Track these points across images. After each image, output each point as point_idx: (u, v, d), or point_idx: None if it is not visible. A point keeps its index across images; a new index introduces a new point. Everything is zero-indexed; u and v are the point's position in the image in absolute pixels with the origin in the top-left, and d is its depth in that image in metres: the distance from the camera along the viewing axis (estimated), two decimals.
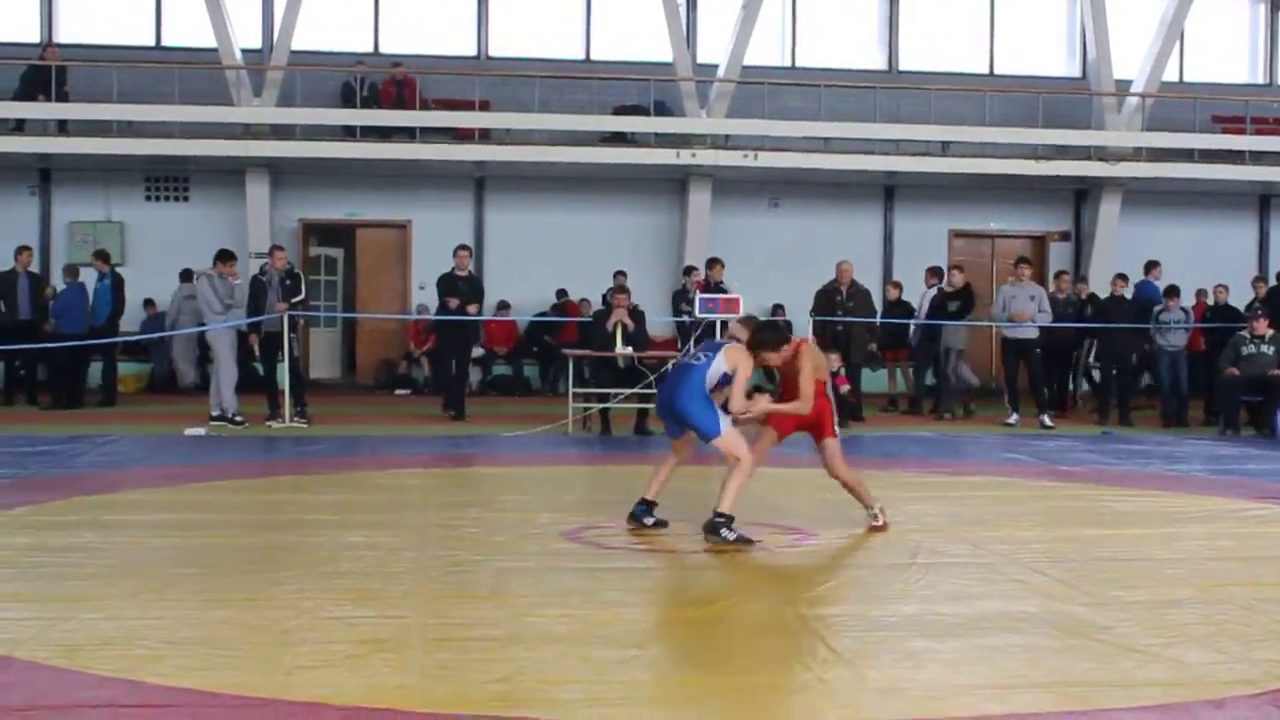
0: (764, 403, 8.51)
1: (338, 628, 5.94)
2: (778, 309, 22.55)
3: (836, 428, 8.82)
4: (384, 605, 6.43)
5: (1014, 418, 16.95)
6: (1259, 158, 23.52)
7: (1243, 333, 16.64)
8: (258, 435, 15.15)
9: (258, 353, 16.66)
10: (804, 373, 8.48)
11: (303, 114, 21.77)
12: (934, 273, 19.21)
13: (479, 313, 16.86)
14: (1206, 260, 22.57)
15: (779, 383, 8.87)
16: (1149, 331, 17.90)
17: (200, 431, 14.99)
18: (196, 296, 17.04)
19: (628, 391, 15.53)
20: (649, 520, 8.68)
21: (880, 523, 8.73)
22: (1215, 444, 15.20)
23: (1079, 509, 10.24)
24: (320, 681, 5.07)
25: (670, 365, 8.72)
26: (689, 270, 18.69)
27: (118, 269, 19.26)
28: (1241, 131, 23.85)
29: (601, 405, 15.65)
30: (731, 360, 8.32)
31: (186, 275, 21.22)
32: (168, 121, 21.28)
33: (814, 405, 8.50)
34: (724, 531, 8.08)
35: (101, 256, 18.65)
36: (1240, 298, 19.30)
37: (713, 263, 17.84)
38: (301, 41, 21.89)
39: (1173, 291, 18.13)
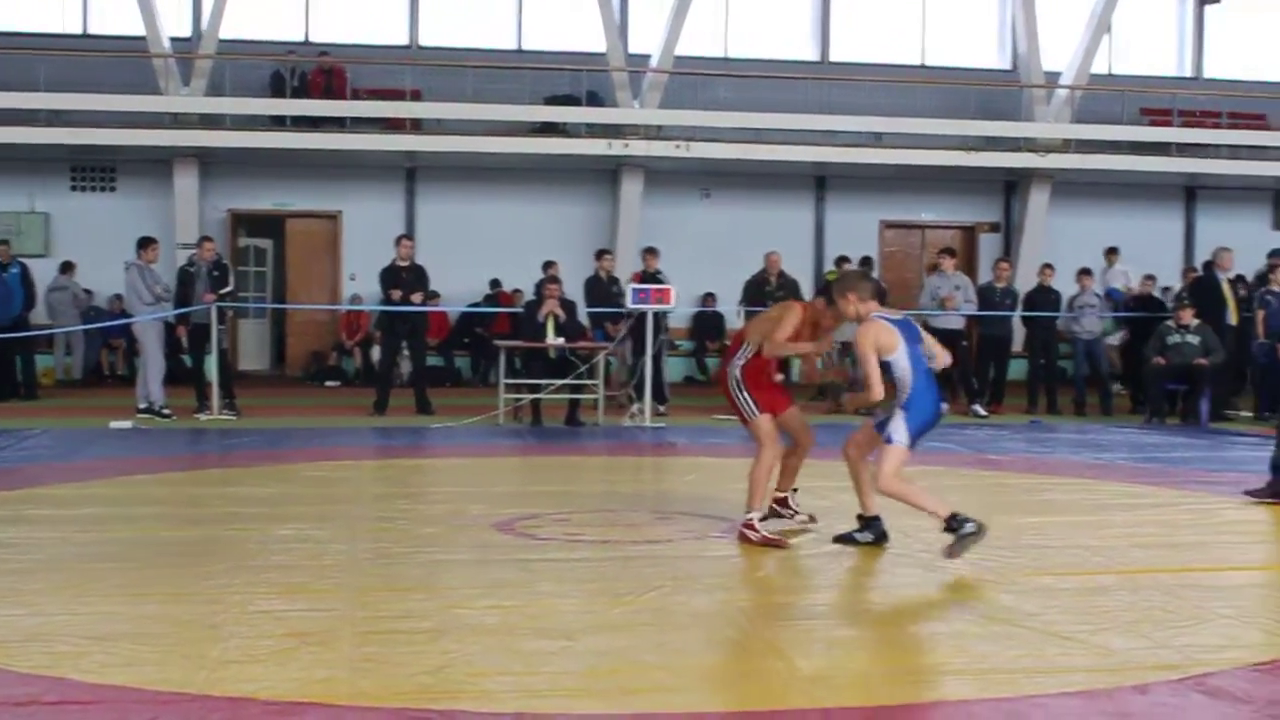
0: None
1: (265, 621, 5.88)
2: (709, 298, 22.61)
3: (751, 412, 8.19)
4: (312, 598, 6.39)
5: (944, 407, 17.04)
6: (1185, 150, 23.83)
7: (1169, 322, 16.83)
8: (185, 428, 15.02)
9: (185, 344, 16.52)
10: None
11: (232, 103, 21.61)
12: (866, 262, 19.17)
13: (423, 302, 16.67)
14: (1133, 251, 22.82)
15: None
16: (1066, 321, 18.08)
17: (126, 424, 14.83)
18: (124, 287, 16.82)
19: (559, 382, 15.51)
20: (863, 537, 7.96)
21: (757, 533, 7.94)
22: (1141, 433, 15.38)
23: (1007, 497, 10.32)
24: (247, 676, 5.02)
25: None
26: (600, 254, 18.48)
27: (42, 260, 19.04)
28: (1169, 124, 24.16)
29: (533, 396, 15.62)
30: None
31: (66, 267, 21.02)
32: (94, 110, 21.04)
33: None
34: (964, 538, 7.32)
35: (3, 244, 18.34)
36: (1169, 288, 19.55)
37: (647, 252, 17.82)
38: (230, 30, 21.72)
39: (1086, 273, 18.26)
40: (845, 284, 7.81)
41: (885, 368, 7.48)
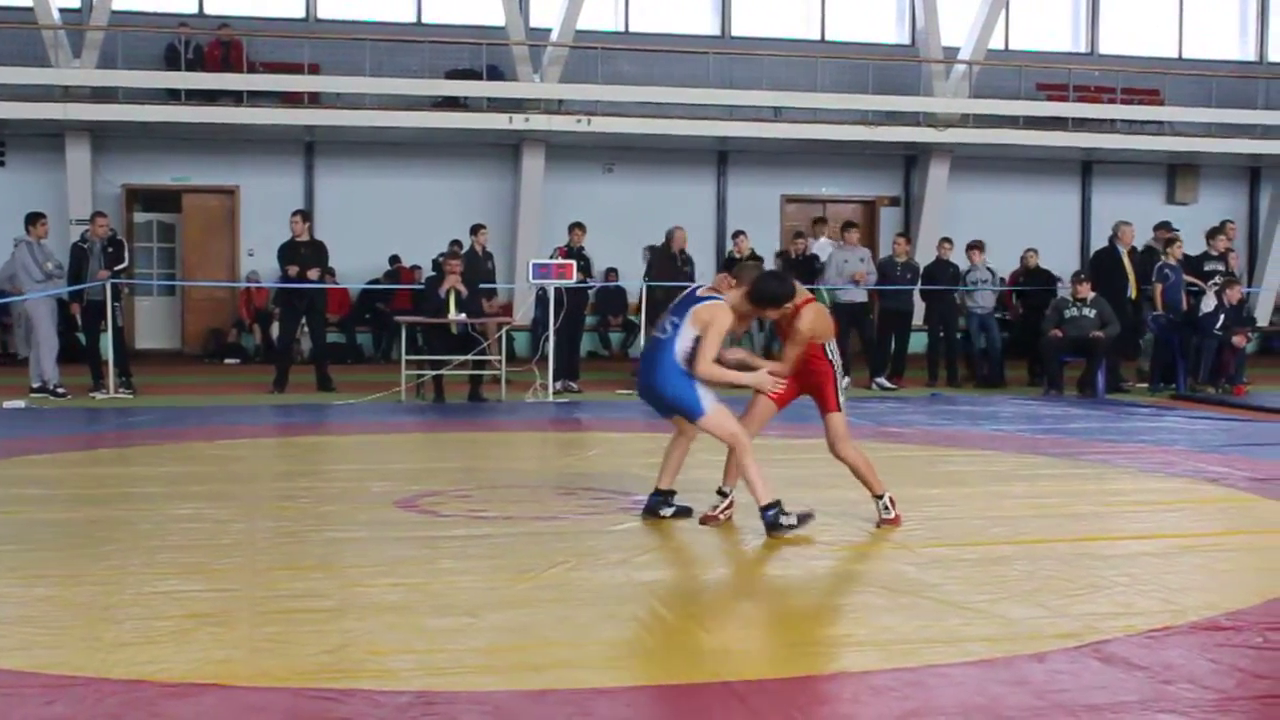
0: (728, 371, 7.62)
1: (163, 602, 5.80)
2: (611, 274, 22.59)
3: (841, 401, 7.99)
4: (211, 578, 6.29)
5: (845, 381, 17.14)
6: (1081, 124, 24.14)
7: (1065, 295, 17.05)
8: (80, 407, 14.77)
9: (79, 322, 16.23)
10: (792, 335, 7.73)
11: (125, 76, 21.19)
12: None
13: (321, 278, 16.47)
14: (1031, 225, 23.11)
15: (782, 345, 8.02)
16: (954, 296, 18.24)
17: (20, 404, 14.57)
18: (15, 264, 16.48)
19: (461, 358, 15.44)
20: (666, 511, 7.90)
21: (891, 515, 7.70)
22: (1039, 404, 15.57)
23: (908, 469, 10.39)
24: (144, 658, 4.95)
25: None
26: (476, 229, 18.29)
27: None
28: (1065, 99, 24.46)
29: (435, 373, 15.53)
30: (700, 321, 7.45)
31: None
32: None
33: (811, 372, 7.85)
34: (783, 520, 7.38)
35: None
36: (1063, 261, 19.76)
37: (576, 227, 17.48)
38: (122, 1, 21.29)
39: (976, 246, 18.41)
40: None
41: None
